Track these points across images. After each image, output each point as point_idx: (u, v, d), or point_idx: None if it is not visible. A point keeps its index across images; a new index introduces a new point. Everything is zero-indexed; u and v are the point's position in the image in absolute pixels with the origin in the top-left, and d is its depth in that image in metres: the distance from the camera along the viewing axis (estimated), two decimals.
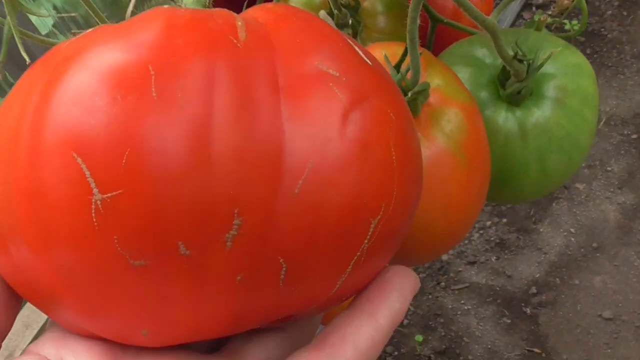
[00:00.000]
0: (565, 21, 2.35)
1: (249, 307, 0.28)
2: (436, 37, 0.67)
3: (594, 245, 2.03)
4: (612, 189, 2.12)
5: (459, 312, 1.95)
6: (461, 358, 1.88)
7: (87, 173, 0.25)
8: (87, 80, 0.26)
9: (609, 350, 1.86)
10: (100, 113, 0.25)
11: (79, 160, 0.25)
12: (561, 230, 2.07)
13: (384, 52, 0.52)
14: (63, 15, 1.00)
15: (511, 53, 0.55)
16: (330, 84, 0.28)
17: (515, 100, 0.58)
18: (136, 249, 0.25)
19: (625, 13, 2.42)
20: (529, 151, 0.58)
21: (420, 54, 0.49)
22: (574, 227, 2.06)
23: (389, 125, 0.29)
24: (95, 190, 0.25)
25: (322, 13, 0.63)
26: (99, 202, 0.25)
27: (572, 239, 2.05)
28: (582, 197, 2.11)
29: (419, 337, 1.90)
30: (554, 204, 2.12)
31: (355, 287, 0.31)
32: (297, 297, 0.29)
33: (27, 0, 0.93)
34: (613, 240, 2.03)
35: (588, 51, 2.35)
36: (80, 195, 0.25)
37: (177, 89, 0.25)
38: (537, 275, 1.99)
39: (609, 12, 2.43)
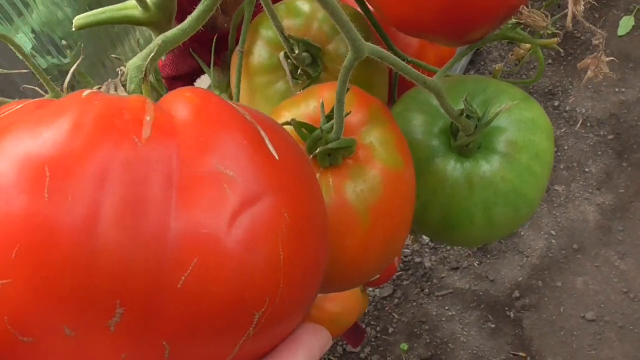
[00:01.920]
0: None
1: None
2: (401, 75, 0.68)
3: (575, 246, 2.04)
4: (590, 190, 2.13)
5: (444, 318, 1.94)
6: None
7: None
8: None
9: (593, 352, 1.87)
10: None
11: None
12: (542, 232, 2.07)
13: (326, 95, 0.53)
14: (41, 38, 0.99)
15: (461, 107, 0.56)
16: (224, 185, 0.30)
17: (464, 152, 0.59)
18: (23, 328, 0.28)
19: (597, 15, 2.44)
20: (474, 202, 0.59)
21: (347, 114, 0.50)
22: (554, 229, 2.07)
23: (279, 226, 0.31)
24: None
25: (281, 56, 0.64)
26: None
27: (553, 241, 2.06)
28: (562, 198, 2.12)
29: (404, 345, 1.89)
30: None
31: (250, 358, 0.33)
32: None
33: (3, 22, 0.92)
34: (593, 240, 2.04)
35: (562, 53, 2.37)
36: None
37: (67, 191, 0.28)
38: (519, 279, 2.00)
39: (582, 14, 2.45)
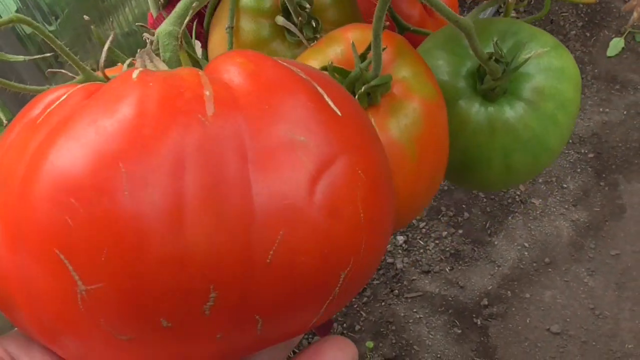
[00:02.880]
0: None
1: (231, 352, 0.31)
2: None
3: (546, 260, 2.06)
4: (566, 206, 2.15)
5: (411, 320, 1.96)
6: None
7: (70, 268, 0.27)
8: (63, 180, 0.27)
9: None
10: (78, 214, 0.27)
11: (62, 257, 0.27)
12: (515, 244, 2.09)
13: (354, 38, 0.53)
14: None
15: (490, 50, 0.56)
16: (298, 152, 0.29)
17: (490, 96, 0.59)
18: (121, 328, 0.28)
19: (588, 34, 2.47)
20: (493, 147, 0.59)
21: (384, 48, 0.49)
22: (527, 242, 2.09)
23: (356, 185, 0.30)
24: (79, 283, 0.27)
25: (280, 19, 0.63)
26: (83, 292, 0.27)
27: (526, 253, 2.08)
28: (538, 212, 2.14)
29: (370, 344, 1.91)
30: (509, 218, 2.15)
31: (329, 316, 0.33)
32: (274, 337, 0.31)
33: None
34: (565, 256, 2.07)
35: None
36: (66, 287, 0.27)
37: (147, 185, 0.27)
38: (489, 287, 2.02)
39: (573, 32, 2.47)
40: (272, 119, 0.30)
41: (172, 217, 0.27)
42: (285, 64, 0.34)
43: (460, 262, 2.07)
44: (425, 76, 0.53)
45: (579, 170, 2.21)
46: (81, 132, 0.28)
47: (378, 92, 0.50)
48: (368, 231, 0.31)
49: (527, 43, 0.61)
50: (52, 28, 1.05)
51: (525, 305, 1.99)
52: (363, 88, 0.49)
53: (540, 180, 2.19)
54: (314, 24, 0.63)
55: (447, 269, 2.06)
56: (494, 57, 0.56)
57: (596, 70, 2.39)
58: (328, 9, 0.65)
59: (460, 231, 2.11)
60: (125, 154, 0.27)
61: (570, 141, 2.26)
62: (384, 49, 0.49)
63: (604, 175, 2.20)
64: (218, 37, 0.66)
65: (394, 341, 1.93)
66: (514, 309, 1.98)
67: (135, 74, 0.31)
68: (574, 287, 2.01)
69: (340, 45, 0.54)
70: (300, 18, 0.62)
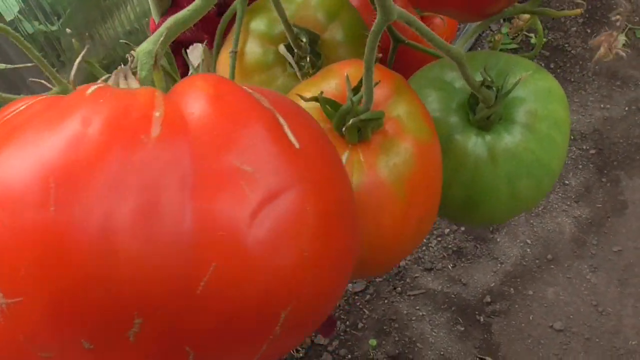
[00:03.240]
0: (532, 35, 2.38)
1: None
2: (398, 57, 0.67)
3: (549, 257, 2.06)
4: (569, 202, 2.15)
5: (414, 318, 1.96)
6: None
7: None
8: None
9: None
10: (1, 224, 0.26)
11: None
12: (518, 240, 2.09)
13: (348, 71, 0.52)
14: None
15: (480, 79, 0.55)
16: (242, 182, 0.28)
17: (485, 125, 0.58)
18: (41, 345, 0.27)
19: (589, 30, 2.46)
20: (498, 176, 0.58)
21: (377, 83, 0.49)
22: (530, 238, 2.09)
23: (302, 221, 0.29)
24: (0, 295, 0.26)
25: (282, 48, 0.62)
26: (3, 305, 0.26)
27: (528, 249, 2.07)
28: (540, 209, 2.14)
29: (373, 342, 1.90)
30: None
31: (283, 352, 0.32)
32: None
33: None
34: (567, 252, 2.06)
35: (552, 65, 2.39)
36: None
37: (75, 202, 0.26)
38: (492, 285, 2.02)
39: (574, 28, 2.47)
40: (221, 145, 0.29)
41: (99, 237, 0.26)
42: (250, 91, 0.33)
43: (463, 260, 2.06)
44: (421, 116, 0.52)
45: (580, 166, 2.21)
46: (21, 143, 0.28)
47: (369, 127, 0.49)
48: (314, 267, 0.30)
49: (511, 68, 0.61)
50: (54, 28, 1.05)
51: (528, 302, 1.99)
52: (351, 121, 0.48)
53: None
54: (314, 59, 0.63)
55: (449, 266, 2.05)
56: (484, 85, 0.56)
57: (597, 67, 2.39)
58: (339, 47, 0.64)
59: (463, 228, 2.11)
60: (58, 169, 0.26)
61: (572, 137, 2.25)
62: (376, 83, 0.49)
63: (605, 172, 2.20)
64: (224, 58, 0.65)
65: (397, 339, 1.93)
66: (516, 306, 1.98)
67: (91, 89, 0.30)
68: (577, 283, 2.01)
69: (335, 79, 0.53)
70: (297, 51, 0.62)
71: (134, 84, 0.34)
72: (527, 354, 1.90)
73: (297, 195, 0.29)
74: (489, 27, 2.42)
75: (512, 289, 2.01)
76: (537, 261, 2.05)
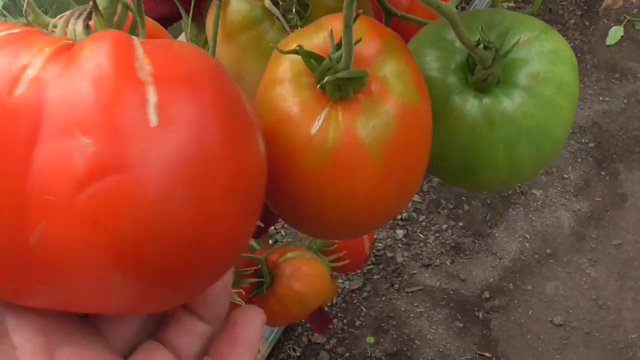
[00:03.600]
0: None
1: (59, 303, 0.32)
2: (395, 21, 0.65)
3: (548, 251, 2.04)
4: (567, 197, 2.13)
5: (412, 315, 1.95)
6: None
7: None
8: None
9: (558, 356, 1.87)
10: None
11: None
12: (516, 235, 2.08)
13: (335, 26, 0.50)
14: None
15: (476, 38, 0.53)
16: (75, 154, 0.28)
17: (483, 87, 0.56)
18: None
19: (587, 23, 2.44)
20: (495, 141, 0.56)
21: (358, 40, 0.47)
22: (529, 233, 2.08)
23: (130, 202, 0.29)
24: None
25: (267, 1, 0.61)
26: None
27: (527, 244, 2.06)
28: (538, 203, 2.13)
29: (370, 339, 1.89)
30: (510, 209, 2.13)
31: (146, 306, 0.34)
32: (83, 304, 0.32)
33: None
34: (566, 247, 2.05)
35: None
36: None
37: None
38: (490, 280, 2.00)
39: (572, 21, 2.45)
40: (72, 111, 0.29)
41: None
42: (140, 56, 0.32)
43: (461, 255, 2.05)
44: (411, 77, 0.50)
45: (579, 160, 2.19)
46: None
47: (350, 86, 0.47)
48: (138, 250, 0.30)
49: (514, 29, 0.58)
50: None
51: (527, 297, 1.97)
52: (326, 79, 0.46)
53: (541, 171, 2.17)
54: (302, 11, 0.61)
55: (447, 262, 2.04)
56: (482, 45, 0.53)
57: (595, 59, 2.37)
58: None
59: (461, 224, 2.10)
60: None
61: (571, 131, 2.23)
62: (358, 41, 0.46)
63: (604, 165, 2.18)
64: (212, 16, 0.64)
65: (395, 336, 1.92)
66: (515, 301, 1.97)
67: (4, 32, 0.32)
68: (576, 278, 2.00)
69: (324, 32, 0.51)
70: (282, 2, 0.60)
71: (79, 27, 0.34)
72: (526, 350, 1.89)
73: (128, 177, 0.29)
74: None
75: (511, 284, 1.99)
76: (536, 256, 2.04)
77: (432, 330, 1.92)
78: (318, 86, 0.48)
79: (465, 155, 0.57)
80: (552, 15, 2.44)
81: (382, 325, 1.94)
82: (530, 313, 1.94)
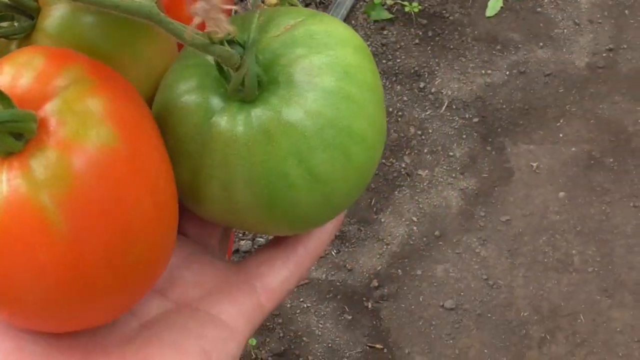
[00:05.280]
0: (406, 3, 2.30)
1: None
2: None
3: (437, 233, 1.99)
4: (454, 175, 2.08)
5: (298, 311, 1.86)
6: (301, 359, 1.80)
7: None
8: None
9: (451, 341, 1.83)
10: None
11: None
12: (403, 219, 2.01)
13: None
14: None
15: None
16: None
17: (249, 97, 0.45)
18: None
19: None
20: (281, 156, 0.44)
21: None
22: (416, 216, 2.02)
23: None
24: None
25: None
26: None
27: (415, 227, 2.00)
28: (425, 184, 2.07)
29: (252, 341, 1.80)
30: (396, 193, 2.06)
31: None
32: None
33: None
34: (455, 227, 2.00)
35: (430, 33, 2.31)
36: None
37: None
38: (378, 268, 1.93)
39: None
40: None
41: None
42: None
43: (347, 244, 1.97)
44: (102, 114, 0.39)
45: (464, 136, 2.14)
46: None
47: (6, 135, 0.37)
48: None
49: (274, 20, 0.48)
50: None
51: (417, 282, 1.91)
52: None
53: (426, 151, 2.12)
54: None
55: (332, 253, 1.97)
56: (224, 42, 0.42)
57: (476, 32, 2.33)
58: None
59: (345, 211, 2.03)
60: None
61: (454, 107, 2.19)
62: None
63: (490, 140, 2.14)
64: None
65: (281, 335, 1.83)
66: (405, 287, 1.91)
67: None
68: (466, 258, 1.95)
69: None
70: None
71: None
72: (418, 337, 1.84)
73: None
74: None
75: (399, 270, 1.93)
76: (424, 239, 1.98)
77: (320, 325, 1.84)
78: None
79: (252, 186, 0.45)
80: None
81: (268, 324, 1.84)
82: (420, 299, 1.89)
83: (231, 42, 0.43)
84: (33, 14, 0.47)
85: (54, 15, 0.47)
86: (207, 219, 0.50)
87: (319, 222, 0.49)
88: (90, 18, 0.48)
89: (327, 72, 0.45)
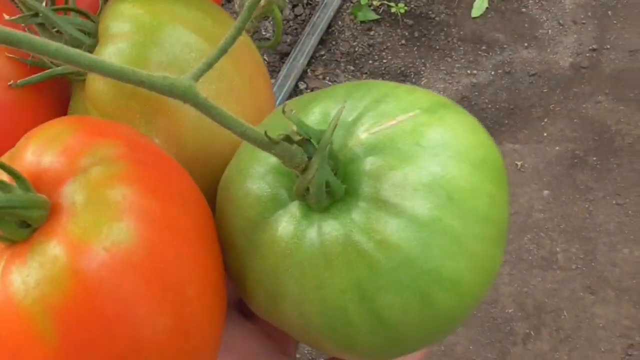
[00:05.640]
0: (392, 4, 2.32)
1: None
2: None
3: None
4: None
5: None
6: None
7: None
8: None
9: None
10: None
11: None
12: None
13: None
14: None
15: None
16: None
17: (316, 206, 0.36)
18: None
19: None
20: (339, 288, 0.35)
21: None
22: None
23: None
24: None
25: None
26: None
27: None
28: None
29: None
30: None
31: None
32: None
33: None
34: None
35: (416, 34, 2.33)
36: None
37: None
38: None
39: None
40: None
41: None
42: None
43: None
44: (125, 207, 0.33)
45: None
46: None
47: (8, 223, 0.32)
48: None
49: (381, 106, 0.37)
50: None
51: None
52: None
53: None
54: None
55: None
56: (290, 139, 0.34)
57: (462, 32, 2.35)
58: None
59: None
60: None
61: None
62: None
63: None
64: None
65: None
66: None
67: None
68: None
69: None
70: None
71: None
72: None
73: None
74: (340, 27, 2.35)
75: None
76: None
77: None
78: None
79: (302, 310, 0.37)
80: None
81: None
82: None
83: (305, 140, 0.34)
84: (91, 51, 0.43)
85: (114, 47, 0.42)
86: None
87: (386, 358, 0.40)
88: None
89: (423, 195, 0.35)
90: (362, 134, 0.37)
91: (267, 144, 0.32)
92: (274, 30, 2.24)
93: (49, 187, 0.33)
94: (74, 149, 0.34)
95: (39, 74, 0.43)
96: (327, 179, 0.35)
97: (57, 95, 0.47)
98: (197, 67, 0.32)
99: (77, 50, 0.27)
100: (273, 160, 0.37)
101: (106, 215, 0.32)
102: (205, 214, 0.37)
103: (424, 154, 0.36)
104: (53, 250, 0.32)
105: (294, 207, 0.37)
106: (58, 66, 0.43)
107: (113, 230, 0.32)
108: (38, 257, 0.32)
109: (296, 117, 0.34)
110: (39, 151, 0.34)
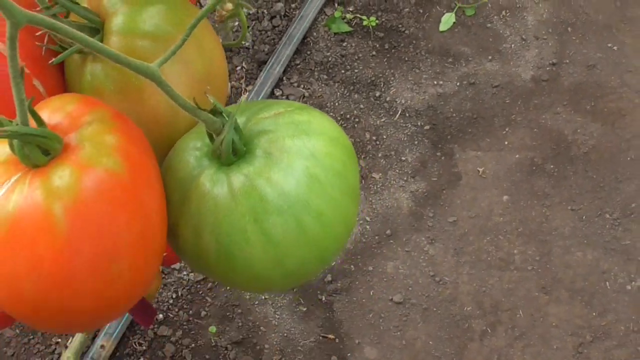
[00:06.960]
0: (364, 17, 2.43)
1: None
2: None
3: (388, 232, 2.11)
4: (405, 178, 2.21)
5: (257, 302, 1.97)
6: (257, 347, 1.91)
7: None
8: None
9: (399, 333, 1.95)
10: None
11: None
12: (358, 219, 2.13)
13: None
14: None
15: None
16: None
17: (228, 161, 0.54)
18: None
19: (421, 11, 2.53)
20: (240, 213, 0.53)
21: (31, 99, 0.47)
22: (369, 216, 2.14)
23: None
24: None
25: None
26: None
27: (368, 227, 2.12)
28: (378, 186, 2.19)
29: (212, 329, 1.91)
30: None
31: None
32: None
33: None
34: (406, 227, 2.12)
35: (386, 46, 2.44)
36: None
37: None
38: (333, 264, 2.05)
39: (406, 9, 2.53)
40: None
41: None
42: None
43: None
44: (113, 148, 0.48)
45: (416, 142, 2.27)
46: None
47: (33, 148, 0.46)
48: None
49: (271, 106, 0.57)
50: None
51: (369, 277, 2.03)
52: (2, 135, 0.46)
53: (380, 155, 2.25)
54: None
55: None
56: (214, 112, 0.52)
57: (430, 45, 2.46)
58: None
59: None
60: None
61: (407, 115, 2.32)
62: (30, 102, 0.45)
63: (440, 146, 2.27)
64: None
65: (240, 324, 1.94)
66: (357, 282, 2.03)
67: None
68: (415, 256, 2.07)
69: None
70: None
71: None
72: (368, 329, 1.95)
73: None
74: (323, 11, 2.46)
75: (352, 266, 2.05)
76: (376, 237, 2.10)
77: (276, 316, 1.95)
78: (21, 152, 0.47)
79: (216, 235, 0.54)
80: (387, 5, 2.51)
81: (228, 314, 1.95)
82: (371, 293, 2.01)
83: (217, 112, 0.52)
84: (99, 28, 0.60)
85: (118, 20, 0.60)
86: (186, 264, 0.57)
87: (274, 287, 0.57)
88: (151, 13, 0.62)
89: (297, 153, 0.53)
90: (258, 117, 0.56)
91: (197, 111, 0.50)
92: (254, 39, 2.35)
93: (61, 134, 0.48)
94: (78, 112, 0.49)
95: (66, 51, 0.58)
96: (233, 138, 0.53)
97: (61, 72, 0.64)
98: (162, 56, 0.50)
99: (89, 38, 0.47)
100: (201, 141, 0.56)
101: (104, 152, 0.48)
102: (157, 167, 0.53)
103: (297, 130, 0.55)
104: (68, 169, 0.46)
105: (212, 166, 0.55)
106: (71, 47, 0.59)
107: (109, 160, 0.48)
108: (57, 172, 0.46)
109: (217, 102, 0.52)
110: (51, 114, 0.49)
